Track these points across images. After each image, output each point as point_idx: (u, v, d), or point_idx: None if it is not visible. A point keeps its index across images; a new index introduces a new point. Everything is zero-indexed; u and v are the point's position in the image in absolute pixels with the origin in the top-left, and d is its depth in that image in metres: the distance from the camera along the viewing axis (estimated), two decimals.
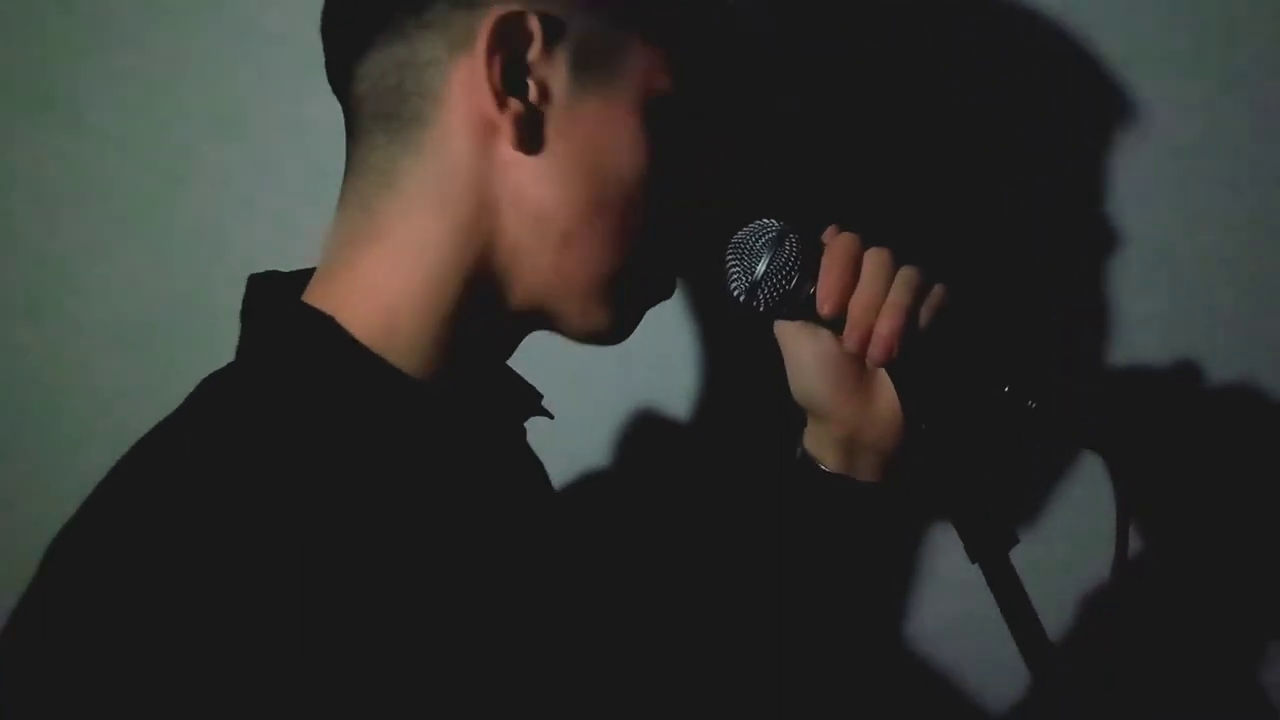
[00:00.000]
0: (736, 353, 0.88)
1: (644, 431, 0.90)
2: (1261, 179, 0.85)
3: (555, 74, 0.55)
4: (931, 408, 0.64)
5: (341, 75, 0.59)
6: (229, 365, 0.57)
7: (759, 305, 0.65)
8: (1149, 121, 0.84)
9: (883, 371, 0.66)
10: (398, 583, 0.50)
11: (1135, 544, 0.88)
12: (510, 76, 0.54)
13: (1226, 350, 0.87)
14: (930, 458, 0.64)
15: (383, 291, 0.56)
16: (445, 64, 0.55)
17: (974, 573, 0.62)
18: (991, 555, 0.61)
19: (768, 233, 0.64)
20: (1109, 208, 0.86)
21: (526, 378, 0.65)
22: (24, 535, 0.51)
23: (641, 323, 0.63)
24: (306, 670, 0.44)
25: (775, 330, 0.69)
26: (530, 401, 0.65)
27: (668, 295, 0.64)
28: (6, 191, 0.88)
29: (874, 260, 0.63)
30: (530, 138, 0.55)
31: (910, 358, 0.63)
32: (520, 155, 0.55)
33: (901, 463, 0.70)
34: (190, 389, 0.55)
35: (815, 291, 0.64)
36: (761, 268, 0.64)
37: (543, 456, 0.68)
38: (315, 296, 0.57)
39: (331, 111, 0.60)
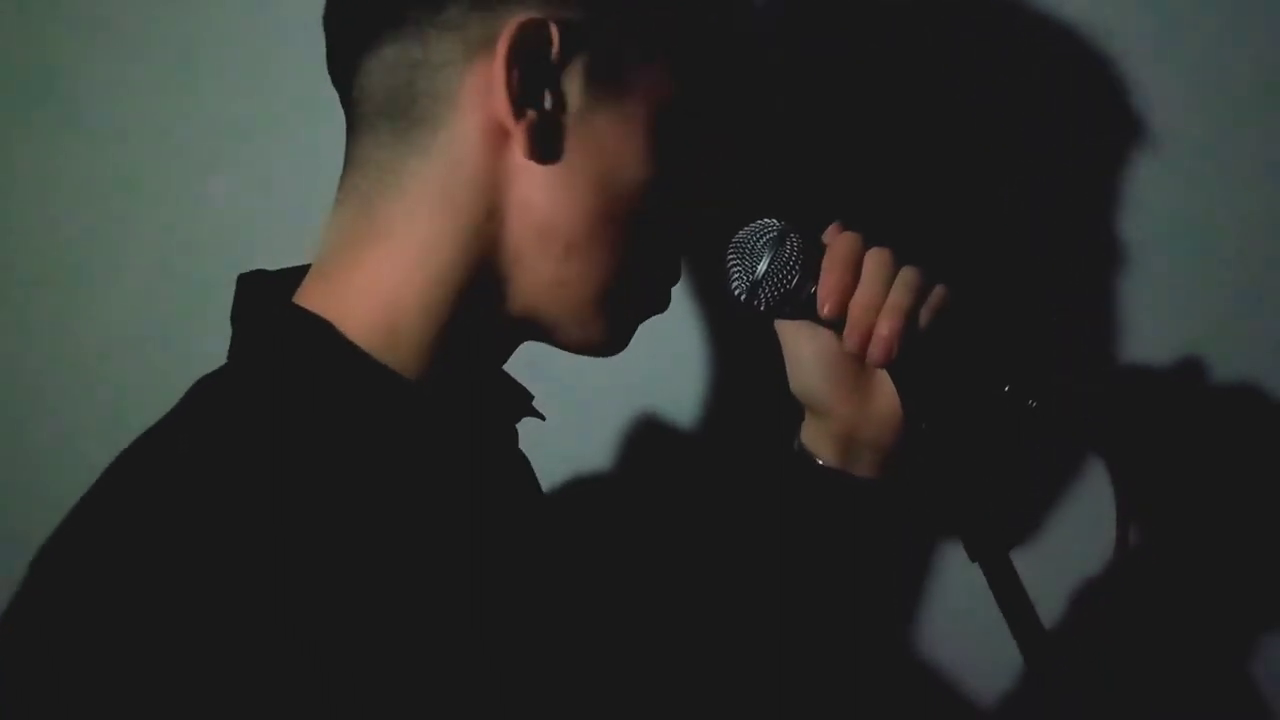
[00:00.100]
0: (735, 350, 0.88)
1: (641, 430, 0.90)
2: (1262, 178, 0.85)
3: (571, 84, 0.55)
4: (931, 407, 0.64)
5: (345, 69, 0.58)
6: (221, 368, 0.56)
7: (760, 305, 0.65)
8: (1149, 121, 0.84)
9: (882, 369, 0.66)
10: (390, 585, 0.50)
11: (1135, 543, 0.88)
12: (528, 84, 0.54)
13: (1226, 350, 0.87)
14: (930, 457, 0.64)
15: (383, 292, 0.55)
16: (460, 66, 0.54)
17: (974, 572, 0.62)
18: (991, 555, 0.61)
19: (769, 232, 0.64)
20: (1109, 207, 0.86)
21: (523, 376, 0.65)
22: (17, 537, 0.51)
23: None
24: (298, 671, 0.44)
25: (775, 326, 0.69)
26: (521, 403, 0.65)
27: (663, 308, 0.64)
28: (6, 191, 0.88)
29: (875, 260, 0.63)
30: (543, 147, 0.55)
31: (910, 358, 0.63)
32: (530, 163, 0.55)
33: (899, 459, 0.70)
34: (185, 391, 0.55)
35: (816, 291, 0.64)
36: (762, 267, 0.64)
37: (537, 457, 0.68)
38: (312, 296, 0.57)
39: (333, 112, 0.59)
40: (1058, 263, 0.86)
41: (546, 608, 0.60)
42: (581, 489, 0.89)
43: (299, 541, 0.47)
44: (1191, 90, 0.84)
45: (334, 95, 0.60)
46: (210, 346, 0.58)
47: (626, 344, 0.63)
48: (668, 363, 0.87)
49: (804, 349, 0.68)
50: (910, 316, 0.62)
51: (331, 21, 0.59)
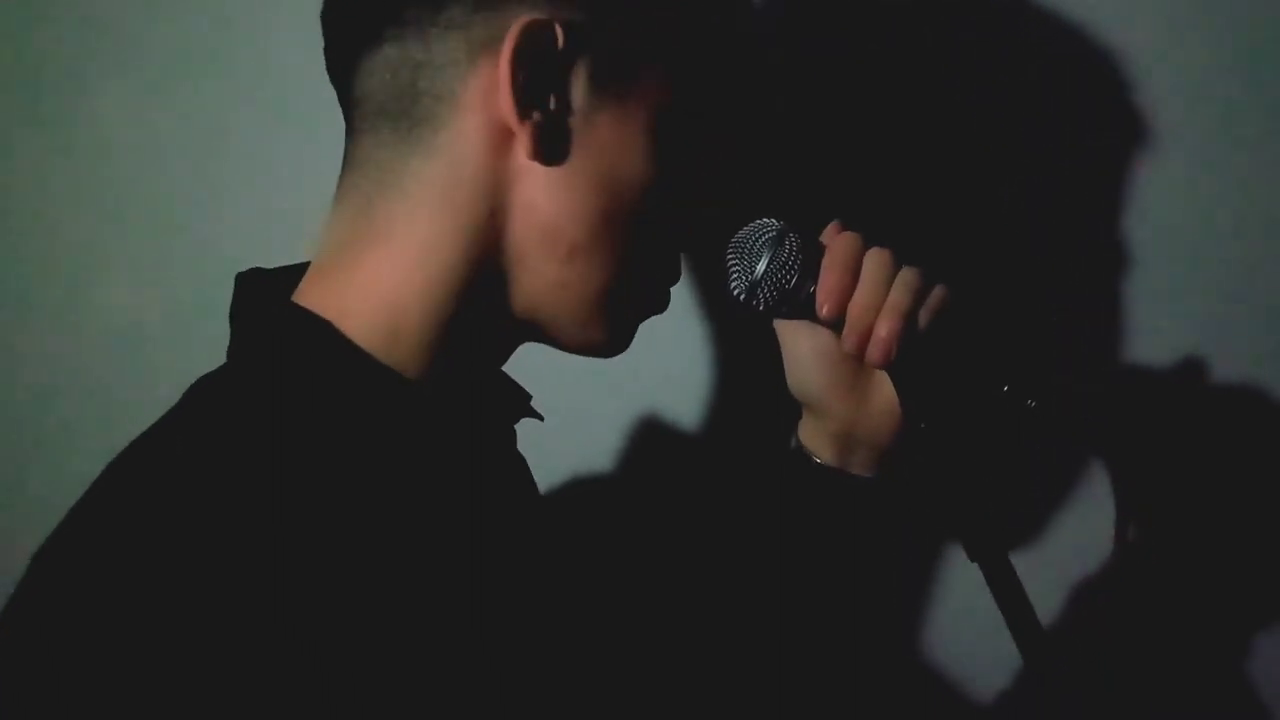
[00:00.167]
0: (733, 350, 0.88)
1: (639, 429, 0.90)
2: (1262, 178, 0.85)
3: (576, 85, 0.55)
4: (930, 407, 0.64)
5: (344, 69, 0.58)
6: (220, 368, 0.56)
7: (759, 304, 0.65)
8: (1149, 121, 0.84)
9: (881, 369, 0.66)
10: (388, 585, 0.50)
11: (1134, 543, 0.88)
12: (532, 85, 0.54)
13: (1226, 350, 0.87)
14: (929, 457, 0.64)
15: (385, 293, 0.55)
16: (464, 67, 0.54)
17: (973, 572, 0.62)
18: (991, 555, 0.61)
19: (767, 232, 0.64)
20: (1108, 208, 0.85)
21: (521, 375, 0.65)
22: (16, 537, 0.51)
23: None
24: (296, 671, 0.44)
25: (774, 325, 0.69)
26: (520, 403, 0.65)
27: (663, 308, 0.64)
28: (6, 191, 0.88)
29: (874, 261, 0.63)
30: (547, 148, 0.54)
31: (909, 358, 0.63)
32: (534, 165, 0.55)
33: (897, 457, 0.70)
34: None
35: (815, 291, 0.64)
36: (761, 267, 0.64)
37: (536, 456, 0.68)
38: (311, 296, 0.56)
39: (333, 112, 0.59)
40: (1057, 263, 0.86)
41: (544, 608, 0.60)
42: (579, 489, 0.89)
43: (298, 542, 0.47)
44: (1191, 90, 0.84)
45: (333, 94, 0.60)
46: (208, 347, 0.57)
47: (628, 344, 0.63)
48: (666, 362, 0.87)
49: (802, 348, 0.68)
50: (909, 318, 0.62)
51: (329, 20, 0.58)
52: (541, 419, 0.65)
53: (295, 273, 0.59)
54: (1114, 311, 0.87)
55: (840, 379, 0.67)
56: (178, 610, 0.44)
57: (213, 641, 0.43)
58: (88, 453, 0.52)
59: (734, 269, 0.65)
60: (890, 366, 0.63)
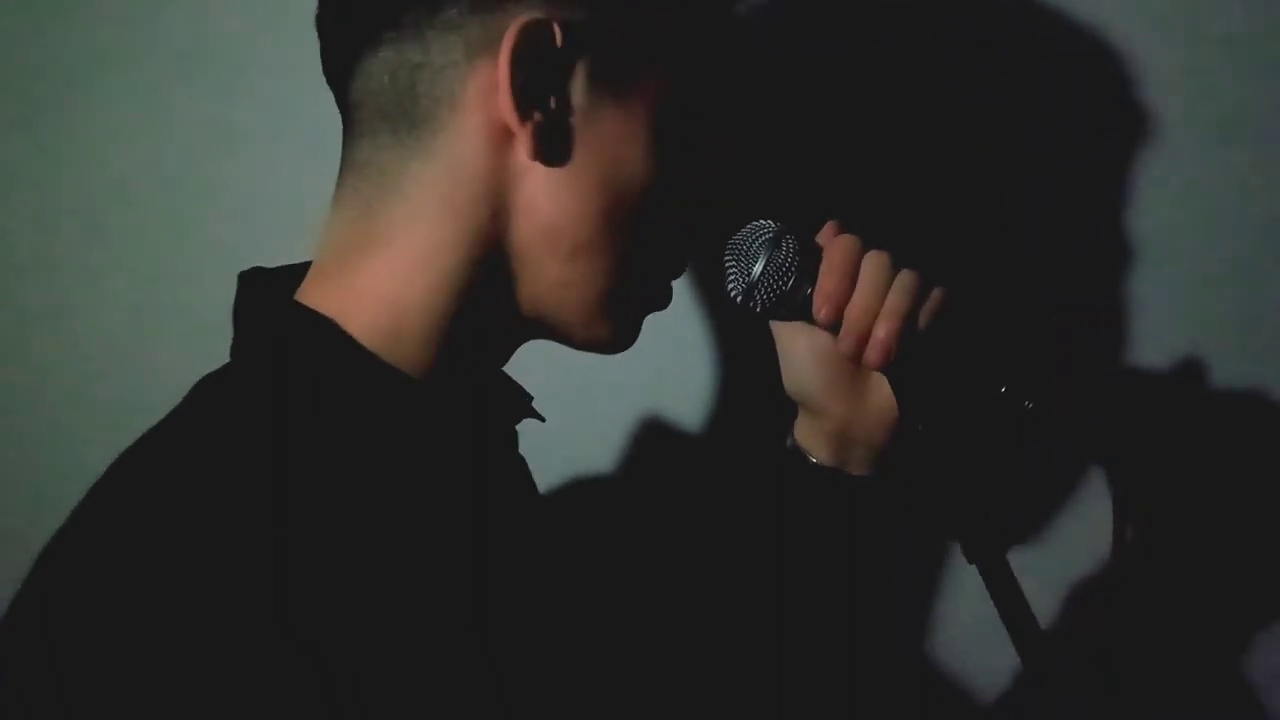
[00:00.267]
0: (731, 350, 0.88)
1: (638, 429, 0.90)
2: (1263, 178, 0.85)
3: (576, 85, 0.55)
4: (928, 408, 0.64)
5: (341, 71, 0.57)
6: (224, 367, 0.56)
7: (756, 306, 0.65)
8: (1149, 121, 0.84)
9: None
10: (389, 585, 0.50)
11: (1132, 544, 0.88)
12: (532, 86, 0.53)
13: (1227, 350, 0.87)
14: (927, 459, 0.64)
15: (387, 296, 0.55)
16: (462, 68, 0.54)
17: (971, 572, 0.62)
18: (989, 556, 0.61)
19: (765, 234, 0.64)
20: (1109, 208, 0.85)
21: (521, 377, 0.65)
22: (20, 538, 0.51)
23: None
24: (297, 670, 0.44)
25: (770, 325, 0.69)
26: (521, 404, 0.65)
27: (666, 305, 0.64)
28: (6, 191, 0.88)
29: (872, 264, 0.63)
30: (548, 148, 0.54)
31: (907, 360, 0.63)
32: (535, 165, 0.55)
33: (893, 457, 0.70)
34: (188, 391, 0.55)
35: (812, 293, 0.63)
36: (758, 269, 0.64)
37: (537, 457, 0.68)
38: (314, 296, 0.56)
39: (333, 112, 0.59)
40: (1057, 263, 0.86)
41: (543, 608, 0.60)
42: (579, 489, 0.89)
43: (302, 541, 0.47)
44: (1192, 90, 0.84)
45: (331, 95, 0.59)
46: (209, 347, 0.57)
47: (634, 340, 0.63)
48: (664, 362, 0.87)
49: (799, 348, 0.68)
50: (907, 320, 0.62)
51: (325, 23, 0.58)
52: (543, 420, 0.65)
53: (297, 272, 0.59)
54: (1114, 311, 0.87)
55: (836, 379, 0.67)
56: (182, 609, 0.44)
57: (215, 640, 0.43)
58: (90, 453, 0.52)
59: (731, 270, 0.65)
60: (888, 369, 0.63)
